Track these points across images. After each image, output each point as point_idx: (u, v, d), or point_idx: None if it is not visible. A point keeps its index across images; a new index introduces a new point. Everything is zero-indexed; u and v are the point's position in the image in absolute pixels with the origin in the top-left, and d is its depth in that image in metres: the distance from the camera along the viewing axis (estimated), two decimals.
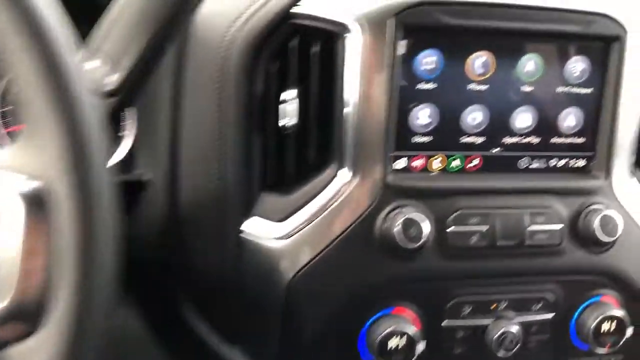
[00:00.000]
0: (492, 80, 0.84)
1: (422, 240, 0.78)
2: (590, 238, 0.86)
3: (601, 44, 0.86)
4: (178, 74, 0.83)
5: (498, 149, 0.87)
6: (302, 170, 0.79)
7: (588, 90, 0.88)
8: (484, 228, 0.83)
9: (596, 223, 0.85)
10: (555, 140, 0.88)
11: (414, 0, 0.77)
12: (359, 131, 0.79)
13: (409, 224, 0.78)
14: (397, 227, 0.78)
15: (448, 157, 0.86)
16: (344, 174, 0.80)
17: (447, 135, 0.84)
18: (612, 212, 0.86)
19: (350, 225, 0.80)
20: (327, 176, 0.78)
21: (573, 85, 0.87)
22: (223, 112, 0.80)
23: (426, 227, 0.79)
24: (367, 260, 0.81)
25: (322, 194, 0.77)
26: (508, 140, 0.87)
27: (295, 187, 0.79)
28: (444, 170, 0.86)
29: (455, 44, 0.82)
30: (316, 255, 0.80)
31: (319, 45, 0.80)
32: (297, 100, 0.80)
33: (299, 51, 0.76)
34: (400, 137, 0.82)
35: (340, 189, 0.77)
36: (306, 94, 0.77)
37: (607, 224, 0.85)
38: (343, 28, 0.78)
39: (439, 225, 0.82)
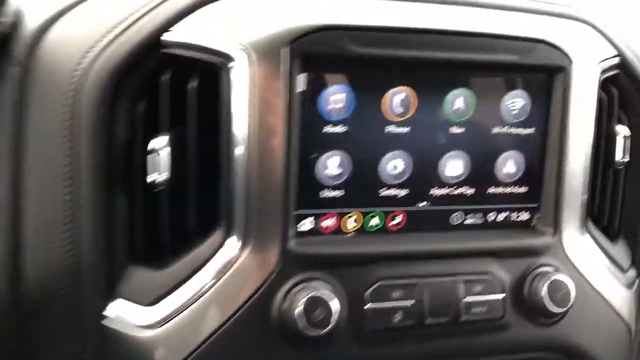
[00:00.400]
0: (414, 121, 0.69)
1: (330, 325, 0.62)
2: (537, 309, 0.72)
3: (542, 76, 0.73)
4: (18, 118, 0.64)
5: (425, 203, 0.72)
6: (179, 237, 0.65)
7: (529, 131, 0.74)
8: (409, 303, 0.67)
9: (544, 290, 0.71)
10: (492, 190, 0.74)
11: (312, 24, 0.62)
12: (250, 186, 0.63)
13: (314, 304, 0.62)
14: (298, 309, 0.62)
15: (365, 214, 0.70)
16: (233, 242, 0.64)
17: (362, 188, 0.69)
18: (562, 277, 0.71)
19: (241, 307, 0.64)
20: (212, 245, 0.64)
21: (511, 125, 0.73)
22: (75, 165, 0.62)
23: (336, 306, 0.63)
24: (262, 351, 0.64)
25: (204, 268, 0.64)
26: (436, 192, 0.72)
27: (170, 259, 0.65)
28: (361, 231, 0.70)
29: (368, 78, 0.67)
30: (197, 348, 0.63)
31: (198, 80, 0.63)
32: (169, 149, 0.62)
33: (172, 87, 0.62)
34: (305, 192, 0.67)
35: (228, 261, 0.63)
36: (182, 140, 0.63)
37: (558, 290, 0.71)
38: (227, 59, 0.62)
39: (354, 302, 0.66)
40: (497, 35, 0.69)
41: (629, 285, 0.81)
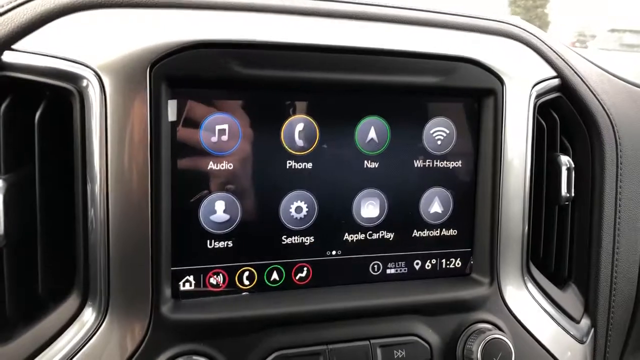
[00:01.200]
0: (319, 156, 0.58)
1: None
2: None
3: (469, 100, 0.63)
4: None
5: (335, 251, 0.60)
6: (25, 305, 0.53)
7: (456, 164, 0.63)
8: None
9: (479, 353, 0.59)
10: (417, 234, 0.63)
11: (178, 40, 0.51)
12: (114, 240, 0.50)
13: None
14: None
15: (262, 268, 0.58)
16: (90, 312, 0.51)
17: (258, 236, 0.57)
18: (501, 335, 0.60)
19: None
20: (65, 314, 0.54)
21: (435, 158, 0.62)
22: None
23: None
24: None
25: (56, 342, 0.53)
26: (350, 238, 0.60)
27: (15, 331, 0.53)
28: (258, 288, 0.58)
29: (261, 105, 0.57)
30: None
31: (44, 109, 0.51)
32: (2, 197, 0.50)
33: (12, 117, 0.49)
34: (186, 244, 0.55)
35: (84, 333, 0.51)
36: (26, 184, 0.51)
37: (496, 352, 0.60)
38: (78, 84, 0.50)
39: None
40: (413, 54, 0.59)
41: (582, 338, 0.70)
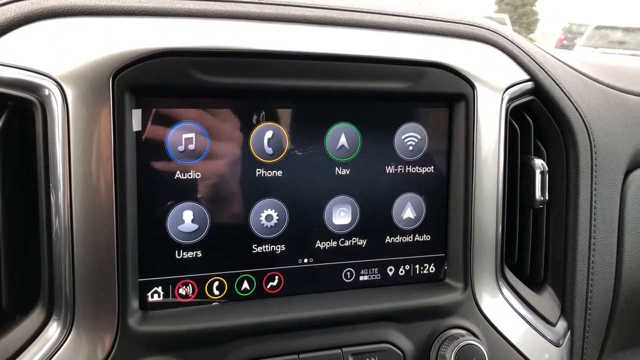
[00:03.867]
0: (288, 163, 0.57)
1: None
2: None
3: (440, 105, 0.62)
4: None
5: (307, 259, 0.60)
6: None
7: (428, 170, 0.63)
8: None
9: (452, 359, 0.58)
10: (390, 240, 0.62)
11: (141, 48, 0.50)
12: (79, 251, 0.50)
13: None
14: None
15: (232, 278, 0.57)
16: (55, 325, 0.51)
17: (227, 245, 0.57)
18: (474, 341, 0.60)
19: None
20: (30, 327, 0.53)
21: (407, 164, 0.62)
22: None
23: None
24: None
25: (21, 356, 0.51)
26: (322, 245, 0.60)
27: None
28: (229, 298, 0.57)
29: (227, 113, 0.56)
30: None
31: (5, 119, 0.50)
32: None
33: None
34: (154, 254, 0.54)
35: (50, 348, 0.52)
36: None
37: (469, 358, 0.59)
38: (39, 94, 0.49)
39: None
40: (381, 60, 0.58)
41: (558, 340, 0.70)
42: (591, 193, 0.71)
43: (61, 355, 0.51)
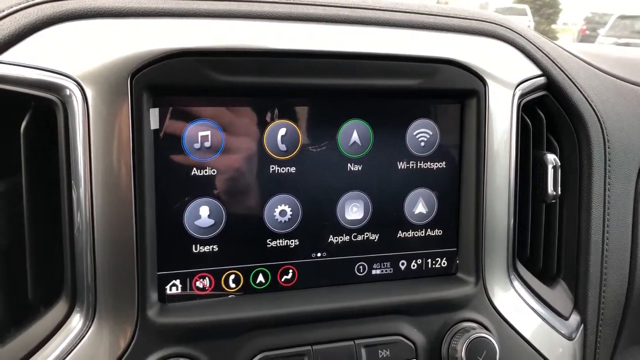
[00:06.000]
0: (301, 160, 0.59)
1: None
2: None
3: (452, 101, 0.63)
4: None
5: (320, 253, 0.61)
6: (16, 310, 0.54)
7: (440, 165, 0.64)
8: None
9: (463, 352, 0.59)
10: (402, 234, 0.63)
11: (158, 49, 0.52)
12: (100, 246, 0.52)
13: None
14: None
15: (247, 271, 0.59)
16: (78, 317, 0.53)
17: (243, 240, 0.59)
18: (485, 334, 0.61)
19: None
20: (54, 319, 0.54)
21: (419, 160, 0.63)
22: None
23: None
24: None
25: (46, 346, 0.53)
26: (335, 240, 0.61)
27: (6, 336, 0.54)
28: (244, 291, 0.59)
29: (241, 111, 0.58)
30: None
31: (29, 120, 0.52)
32: None
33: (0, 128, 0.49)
34: (171, 248, 0.56)
35: (73, 337, 0.53)
36: (14, 193, 0.53)
37: (479, 351, 0.60)
38: (61, 94, 0.51)
39: None
40: (393, 57, 0.59)
41: (571, 334, 0.70)
42: (605, 187, 0.71)
43: (84, 346, 0.53)
